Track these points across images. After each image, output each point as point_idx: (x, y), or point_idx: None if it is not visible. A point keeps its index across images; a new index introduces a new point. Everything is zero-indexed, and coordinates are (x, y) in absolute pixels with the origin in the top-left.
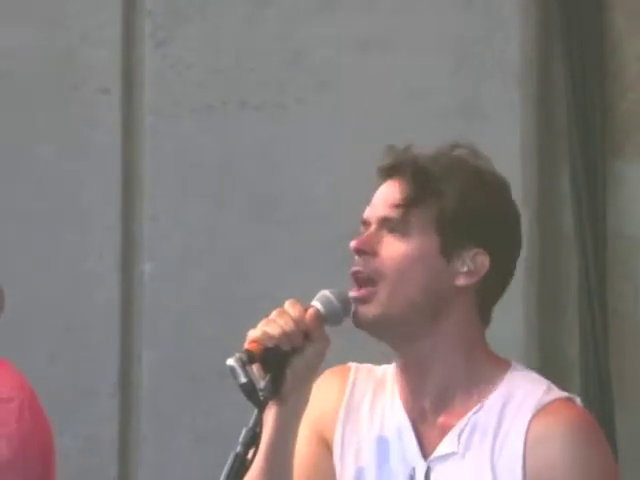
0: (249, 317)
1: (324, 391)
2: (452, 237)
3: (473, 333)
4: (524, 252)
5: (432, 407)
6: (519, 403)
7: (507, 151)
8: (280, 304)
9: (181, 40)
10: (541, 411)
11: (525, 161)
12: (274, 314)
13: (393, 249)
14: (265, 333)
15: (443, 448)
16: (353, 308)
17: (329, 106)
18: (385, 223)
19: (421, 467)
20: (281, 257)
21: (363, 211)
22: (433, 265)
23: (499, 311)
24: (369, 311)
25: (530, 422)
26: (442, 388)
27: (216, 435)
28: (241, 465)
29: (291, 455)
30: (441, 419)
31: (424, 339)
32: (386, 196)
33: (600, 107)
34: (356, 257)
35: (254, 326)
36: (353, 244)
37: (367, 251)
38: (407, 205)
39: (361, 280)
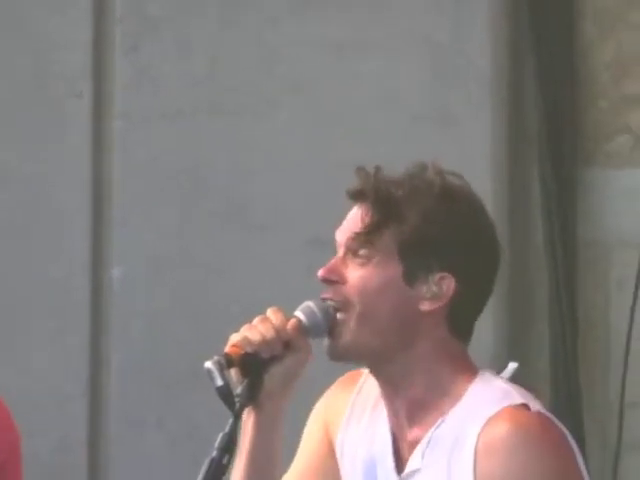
0: (219, 321)
1: (338, 392)
2: (415, 262)
3: (445, 352)
4: None
5: (406, 422)
6: (474, 415)
7: (477, 157)
8: (250, 309)
9: (151, 45)
10: (489, 421)
11: (495, 167)
12: (256, 320)
13: (356, 276)
14: (246, 338)
15: (410, 465)
16: (325, 343)
17: (301, 111)
18: (350, 250)
19: None
20: (251, 262)
21: (334, 216)
22: (396, 291)
23: None
24: (338, 344)
25: (479, 434)
26: (414, 404)
27: (186, 437)
28: (217, 470)
29: (272, 459)
30: (413, 434)
31: (395, 363)
32: (352, 221)
33: (570, 114)
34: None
35: (236, 330)
36: (320, 273)
37: (333, 279)
38: (368, 233)
39: (333, 308)
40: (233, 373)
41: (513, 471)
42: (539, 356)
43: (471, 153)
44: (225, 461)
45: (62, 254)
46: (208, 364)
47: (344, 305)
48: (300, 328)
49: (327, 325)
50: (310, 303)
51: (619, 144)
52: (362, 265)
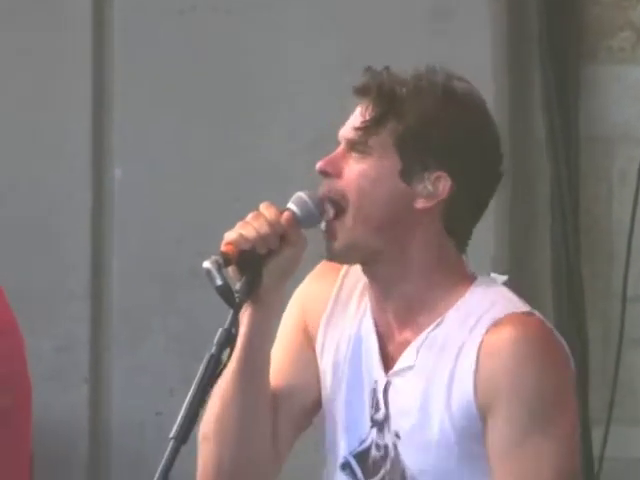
0: (219, 220)
1: (315, 282)
2: (412, 160)
3: (440, 254)
4: None
5: (396, 322)
6: (476, 318)
7: (478, 57)
8: (249, 207)
9: None
10: (493, 326)
11: (496, 66)
12: (250, 217)
13: (353, 170)
14: (241, 236)
15: (401, 362)
16: (325, 245)
17: (304, 8)
18: (349, 145)
19: (382, 381)
20: (251, 162)
21: (335, 118)
22: (392, 187)
23: None
24: (336, 245)
25: (483, 337)
26: (405, 305)
27: (188, 335)
28: (216, 366)
29: (267, 356)
30: (403, 334)
31: (390, 263)
32: (355, 117)
33: (572, 11)
34: (324, 179)
35: (229, 228)
36: (318, 165)
37: (330, 172)
38: (367, 127)
39: (330, 203)
40: (231, 271)
41: (513, 372)
42: (541, 251)
43: (471, 53)
44: (224, 356)
45: (63, 156)
46: (206, 264)
47: (341, 200)
48: (294, 220)
49: (320, 214)
50: (301, 194)
51: (622, 40)
52: (360, 160)
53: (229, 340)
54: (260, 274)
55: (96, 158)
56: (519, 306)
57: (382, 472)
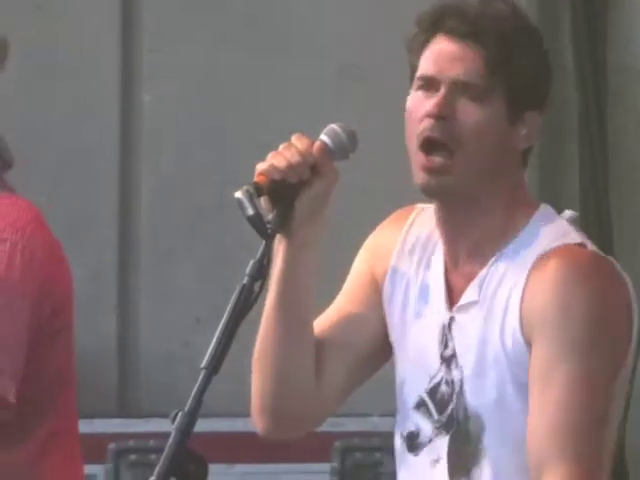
0: (248, 147)
1: (384, 230)
2: (519, 102)
3: (520, 189)
4: None
5: (465, 257)
6: (531, 250)
7: None
8: (279, 136)
9: None
10: (545, 255)
11: None
12: (281, 147)
13: (472, 115)
14: (272, 165)
15: (465, 298)
16: (423, 178)
17: None
18: (462, 88)
19: (447, 317)
20: (282, 89)
21: (365, 47)
22: (502, 132)
23: None
24: (445, 182)
25: (533, 264)
26: (480, 239)
27: (215, 265)
28: (248, 297)
29: (304, 289)
30: (470, 268)
31: (480, 200)
32: (461, 58)
33: None
34: (427, 120)
35: (252, 159)
36: (430, 109)
37: (445, 116)
38: (491, 74)
39: (434, 146)
40: (263, 201)
41: (556, 301)
42: (569, 182)
43: None
44: (256, 287)
45: (93, 80)
46: (238, 194)
47: (453, 144)
48: (325, 150)
49: (352, 146)
50: (334, 126)
51: None
52: (477, 106)
53: (261, 272)
54: (292, 205)
55: (124, 82)
56: (574, 237)
57: (450, 407)
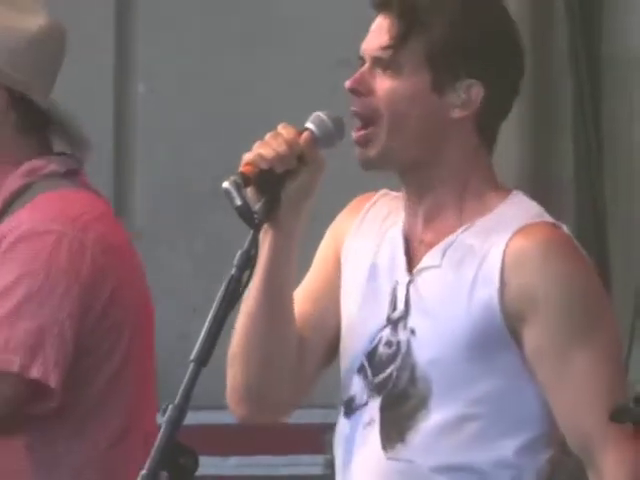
0: (244, 139)
1: (347, 213)
2: (443, 71)
3: (477, 161)
4: None
5: (425, 226)
6: (505, 225)
7: None
8: (275, 127)
9: None
10: (521, 230)
11: None
12: (267, 137)
13: (386, 88)
14: (259, 155)
15: (426, 261)
16: (356, 152)
17: None
18: (377, 62)
19: (404, 279)
20: (277, 80)
21: (363, 37)
22: (426, 101)
23: None
24: (369, 152)
25: (509, 239)
26: (437, 209)
27: (211, 256)
28: (236, 287)
29: (287, 278)
30: (432, 237)
31: (427, 168)
32: (377, 33)
33: None
34: (353, 97)
35: (249, 149)
36: (348, 84)
37: (362, 91)
38: (395, 45)
39: (362, 120)
40: (250, 192)
41: (550, 276)
42: (564, 170)
43: None
44: (245, 278)
45: (88, 70)
46: (225, 184)
47: (374, 116)
48: (312, 139)
49: (339, 133)
50: (319, 113)
51: None
52: (390, 76)
53: (248, 262)
54: (279, 195)
55: (118, 72)
56: (549, 218)
57: (391, 368)
